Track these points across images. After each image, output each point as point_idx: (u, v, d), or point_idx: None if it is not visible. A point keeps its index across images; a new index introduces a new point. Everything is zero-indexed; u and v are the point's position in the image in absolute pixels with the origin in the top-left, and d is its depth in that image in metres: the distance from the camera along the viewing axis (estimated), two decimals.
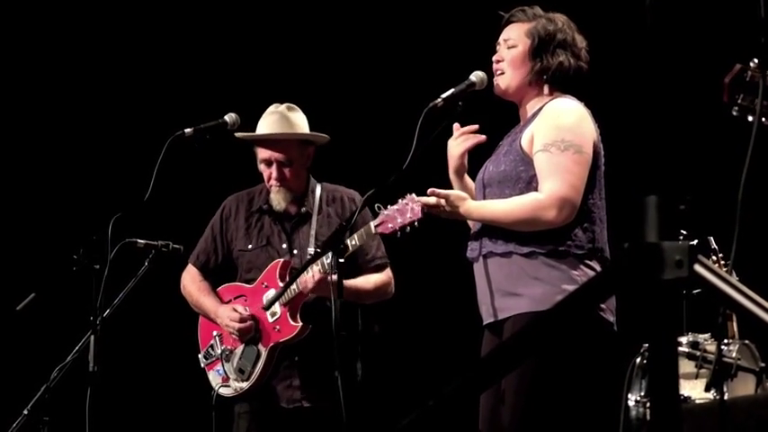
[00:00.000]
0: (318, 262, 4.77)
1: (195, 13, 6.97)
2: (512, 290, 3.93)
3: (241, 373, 4.96)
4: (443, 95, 4.02)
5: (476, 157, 4.27)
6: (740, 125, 3.15)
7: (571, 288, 3.83)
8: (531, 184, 3.94)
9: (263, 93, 5.30)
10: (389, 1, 6.80)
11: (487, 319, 4.03)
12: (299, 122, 5.06)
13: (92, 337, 4.42)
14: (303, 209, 5.06)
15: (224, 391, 5.01)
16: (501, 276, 3.96)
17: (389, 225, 4.48)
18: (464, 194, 4.01)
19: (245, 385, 4.95)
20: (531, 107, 4.08)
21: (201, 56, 6.93)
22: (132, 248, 4.91)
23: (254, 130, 5.04)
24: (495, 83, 4.10)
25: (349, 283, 4.79)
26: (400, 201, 4.57)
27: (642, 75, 1.93)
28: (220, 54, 6.93)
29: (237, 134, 4.93)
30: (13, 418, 4.67)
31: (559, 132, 3.91)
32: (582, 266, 3.92)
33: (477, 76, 4.07)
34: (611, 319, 3.95)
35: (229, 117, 4.88)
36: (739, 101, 3.19)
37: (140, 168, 4.78)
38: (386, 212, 4.57)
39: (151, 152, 4.62)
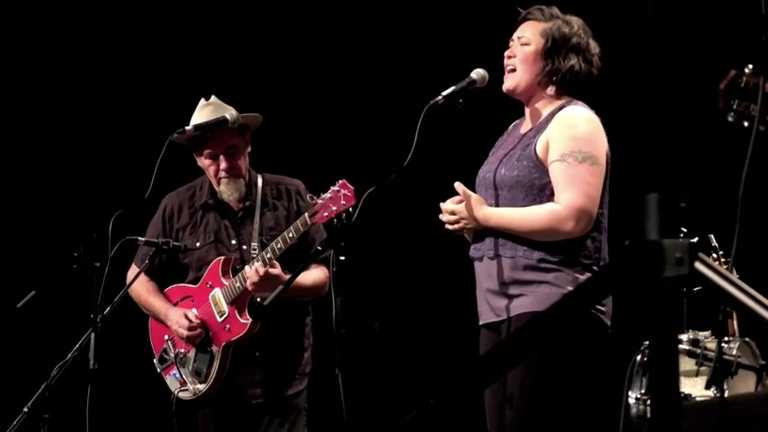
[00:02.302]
0: (258, 257, 4.77)
1: (194, 13, 6.97)
2: (517, 291, 3.93)
3: (197, 375, 4.92)
4: (444, 93, 4.01)
5: (475, 154, 4.26)
6: (737, 130, 3.16)
7: None
8: (543, 191, 3.93)
9: (262, 91, 5.30)
10: None
11: (489, 318, 4.01)
12: (233, 110, 4.98)
13: (92, 334, 4.41)
14: (247, 202, 5.01)
15: (183, 395, 4.96)
16: (507, 277, 3.95)
17: (324, 214, 4.49)
18: (482, 199, 4.02)
19: (202, 387, 4.90)
20: (539, 108, 4.06)
21: (201, 54, 6.93)
22: (133, 246, 4.91)
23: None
24: (504, 80, 4.08)
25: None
26: (332, 188, 4.57)
27: (643, 73, 1.93)
28: (220, 53, 6.93)
29: (181, 135, 4.76)
30: (13, 416, 4.66)
31: (576, 143, 3.91)
32: (588, 274, 3.93)
33: (477, 73, 4.06)
34: (608, 322, 3.96)
35: (230, 115, 4.87)
36: (734, 107, 3.21)
37: (141, 166, 4.78)
38: (319, 201, 4.58)
39: (151, 150, 4.62)
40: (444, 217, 4.05)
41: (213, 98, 5.03)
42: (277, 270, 4.70)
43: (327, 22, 6.92)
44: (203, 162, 4.99)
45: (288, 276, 4.70)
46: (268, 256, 4.74)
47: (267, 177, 5.09)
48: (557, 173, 3.91)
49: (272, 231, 4.94)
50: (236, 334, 4.86)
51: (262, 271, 4.71)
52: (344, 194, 4.51)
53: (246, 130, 5.00)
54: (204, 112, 4.95)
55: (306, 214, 4.65)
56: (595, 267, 3.94)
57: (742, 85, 3.19)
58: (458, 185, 4.02)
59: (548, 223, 3.89)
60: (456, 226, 4.03)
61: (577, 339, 3.78)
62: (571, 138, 3.92)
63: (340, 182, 4.58)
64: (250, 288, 4.75)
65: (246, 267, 4.80)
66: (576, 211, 3.88)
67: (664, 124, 1.93)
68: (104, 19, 6.96)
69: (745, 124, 3.18)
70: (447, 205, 4.04)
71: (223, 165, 4.93)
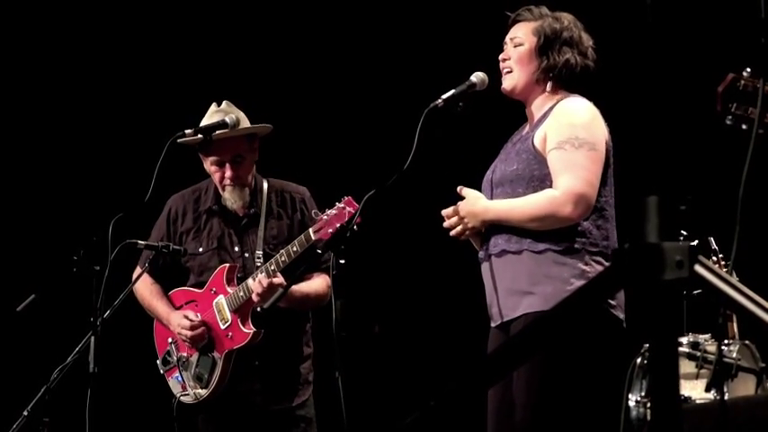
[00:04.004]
0: (263, 268, 4.76)
1: (195, 15, 6.97)
2: (522, 288, 3.91)
3: (199, 380, 4.93)
4: (444, 96, 4.02)
5: (475, 157, 4.27)
6: (736, 132, 3.16)
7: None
8: (544, 182, 3.92)
9: (261, 93, 5.30)
10: (391, 1, 6.81)
11: (497, 319, 4.00)
12: (242, 117, 4.98)
13: (92, 338, 4.41)
14: (252, 209, 5.00)
15: (185, 399, 4.97)
16: (511, 275, 3.93)
17: (328, 230, 4.49)
18: (479, 193, 4.02)
19: (203, 392, 4.91)
20: (538, 106, 4.07)
21: (202, 57, 6.93)
22: (133, 249, 4.90)
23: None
24: (502, 82, 4.09)
25: (294, 288, 4.70)
26: (337, 204, 4.58)
27: (643, 76, 1.93)
28: (220, 55, 6.93)
29: (184, 139, 4.76)
30: (13, 419, 4.66)
31: (573, 130, 3.91)
32: (594, 263, 3.91)
33: (477, 76, 4.07)
34: (621, 315, 3.94)
35: (229, 118, 4.86)
36: (733, 110, 3.21)
37: (141, 169, 4.78)
38: (324, 217, 4.58)
39: (151, 153, 4.62)
40: (447, 223, 4.05)
41: (224, 104, 5.01)
42: (279, 280, 4.70)
43: (329, 27, 6.93)
44: (209, 167, 4.99)
45: (294, 287, 4.71)
46: (272, 268, 4.74)
47: (272, 183, 5.07)
48: (554, 160, 3.91)
49: (275, 240, 4.94)
50: (238, 342, 4.86)
51: (266, 282, 4.71)
52: (349, 212, 4.51)
53: (254, 139, 5.00)
54: (214, 117, 4.95)
55: (310, 230, 4.66)
56: (602, 257, 3.91)
57: (740, 88, 3.20)
58: (460, 188, 4.03)
59: (546, 209, 3.87)
60: (459, 228, 4.02)
61: (585, 337, 3.77)
62: (568, 126, 3.93)
63: (345, 198, 4.59)
64: (255, 299, 4.75)
65: (249, 279, 4.80)
66: (573, 195, 3.87)
67: (663, 127, 1.93)
68: (106, 21, 6.96)
69: (744, 127, 3.19)
70: (447, 210, 4.04)
71: (228, 173, 4.92)
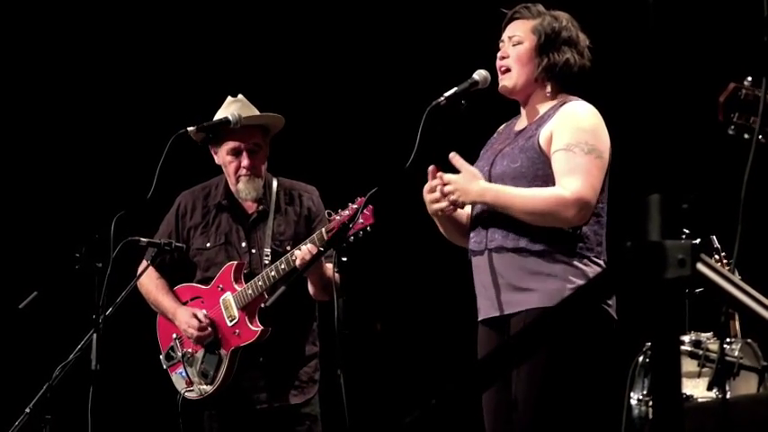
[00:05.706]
0: (283, 259, 4.73)
1: (197, 13, 6.97)
2: (523, 284, 3.88)
3: (204, 376, 4.93)
4: (446, 94, 4.00)
5: (476, 155, 4.26)
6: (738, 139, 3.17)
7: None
8: (546, 183, 3.90)
9: (263, 91, 5.30)
10: (395, 0, 6.81)
11: (491, 312, 3.96)
12: (255, 111, 5.00)
13: (94, 335, 4.42)
14: (261, 206, 5.00)
15: (190, 395, 4.97)
16: (512, 270, 3.90)
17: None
18: (477, 171, 3.94)
19: (209, 389, 4.91)
20: (539, 105, 4.04)
21: (203, 54, 6.93)
22: (135, 247, 4.91)
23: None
24: (500, 81, 4.07)
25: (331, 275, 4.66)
26: (351, 205, 4.57)
27: (645, 73, 1.93)
28: (222, 52, 6.93)
29: (200, 131, 4.80)
30: (15, 417, 4.66)
31: (582, 135, 3.90)
32: (594, 266, 3.91)
33: (480, 74, 4.05)
34: (615, 315, 3.94)
35: (232, 115, 4.87)
36: (735, 119, 3.22)
37: (143, 166, 4.78)
38: (337, 218, 4.57)
39: (154, 150, 4.62)
40: (432, 195, 3.95)
41: (240, 96, 5.04)
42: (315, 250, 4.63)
43: (332, 28, 6.93)
44: (224, 158, 4.98)
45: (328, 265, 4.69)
46: (282, 266, 4.74)
47: (281, 181, 5.08)
48: (561, 161, 3.88)
49: (282, 237, 4.94)
50: (246, 340, 4.87)
51: (315, 250, 4.62)
52: (362, 213, 4.50)
53: (268, 132, 5.01)
54: (232, 107, 4.95)
55: (323, 230, 4.65)
56: (599, 261, 3.92)
57: (741, 97, 3.21)
58: (453, 156, 3.96)
59: (552, 207, 3.84)
60: (443, 203, 3.92)
61: (585, 334, 3.77)
62: (577, 129, 3.91)
63: (359, 199, 4.58)
64: (298, 264, 4.68)
65: (296, 251, 4.71)
66: (579, 200, 3.85)
67: (666, 125, 1.93)
68: (109, 16, 6.96)
69: (746, 136, 3.20)
70: (439, 178, 3.93)
71: (245, 162, 4.92)
